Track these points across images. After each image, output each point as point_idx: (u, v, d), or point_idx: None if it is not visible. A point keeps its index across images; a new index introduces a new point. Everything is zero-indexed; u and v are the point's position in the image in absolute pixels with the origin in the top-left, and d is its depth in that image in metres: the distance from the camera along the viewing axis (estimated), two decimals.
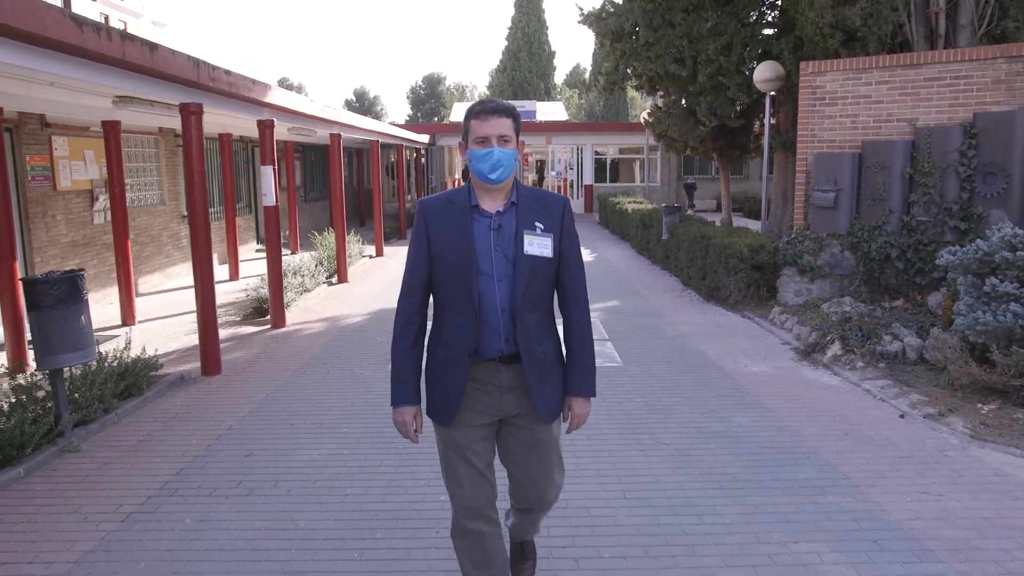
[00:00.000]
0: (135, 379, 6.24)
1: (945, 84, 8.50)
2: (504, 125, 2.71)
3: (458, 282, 2.73)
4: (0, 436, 4.76)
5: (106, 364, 6.10)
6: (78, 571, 3.59)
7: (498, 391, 2.82)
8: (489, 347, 2.76)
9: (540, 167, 37.25)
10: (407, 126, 29.62)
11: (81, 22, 4.73)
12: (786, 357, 7.50)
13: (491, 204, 2.79)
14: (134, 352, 7.19)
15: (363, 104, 75.80)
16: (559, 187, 30.75)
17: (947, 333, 6.44)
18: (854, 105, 9.07)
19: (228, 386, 6.76)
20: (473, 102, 2.85)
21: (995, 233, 6.39)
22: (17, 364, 6.86)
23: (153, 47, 5.72)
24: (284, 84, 75.66)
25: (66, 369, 5.64)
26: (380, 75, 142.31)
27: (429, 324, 2.84)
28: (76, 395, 5.60)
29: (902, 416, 5.66)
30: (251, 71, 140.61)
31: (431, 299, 2.86)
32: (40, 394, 5.58)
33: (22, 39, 4.40)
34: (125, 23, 40.16)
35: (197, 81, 6.55)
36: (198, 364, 7.26)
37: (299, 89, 77.69)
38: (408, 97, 76.82)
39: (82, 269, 5.28)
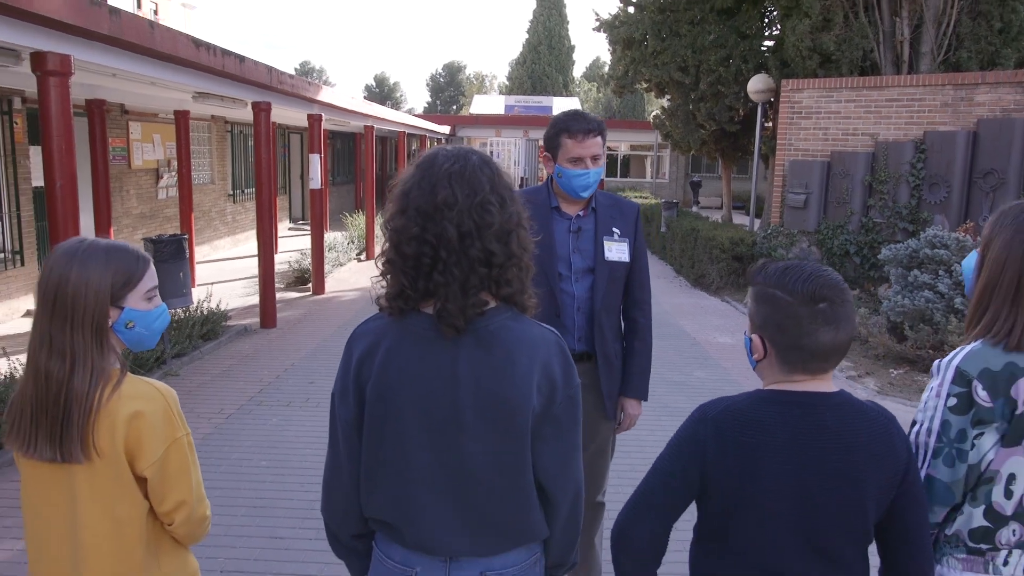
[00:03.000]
0: (213, 326, 7.71)
1: (902, 105, 9.84)
2: (597, 145, 2.72)
3: (537, 281, 3.13)
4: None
5: (193, 312, 7.58)
6: (205, 445, 5.06)
7: None
8: None
9: None
10: (429, 116, 31.06)
11: (198, 43, 6.18)
12: None
13: (571, 207, 2.83)
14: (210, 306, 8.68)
15: (383, 90, 76.91)
16: None
17: (877, 315, 7.83)
18: (826, 119, 10.41)
19: (285, 336, 8.24)
20: (564, 112, 2.81)
21: (926, 233, 7.76)
22: None
23: (242, 59, 7.17)
24: (306, 68, 77.07)
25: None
26: (400, 61, 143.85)
27: None
28: (173, 333, 7.08)
29: None
30: (272, 54, 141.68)
31: None
32: None
33: (161, 58, 5.86)
34: (157, 4, 41.61)
35: (269, 84, 8.00)
36: (256, 320, 8.74)
37: (320, 73, 79.10)
38: (428, 85, 77.91)
39: (186, 233, 6.75)
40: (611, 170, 31.42)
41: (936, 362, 1.72)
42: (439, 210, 1.46)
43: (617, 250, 2.80)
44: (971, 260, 1.80)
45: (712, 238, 11.31)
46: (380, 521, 1.59)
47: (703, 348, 8.08)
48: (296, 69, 74.85)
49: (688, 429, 1.62)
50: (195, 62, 6.20)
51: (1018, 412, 1.60)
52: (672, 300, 10.90)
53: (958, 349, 1.70)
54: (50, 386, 1.57)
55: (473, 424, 1.49)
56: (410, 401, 1.50)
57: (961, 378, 1.64)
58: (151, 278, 1.70)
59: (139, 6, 37.21)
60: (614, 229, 2.82)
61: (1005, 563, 1.68)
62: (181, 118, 10.54)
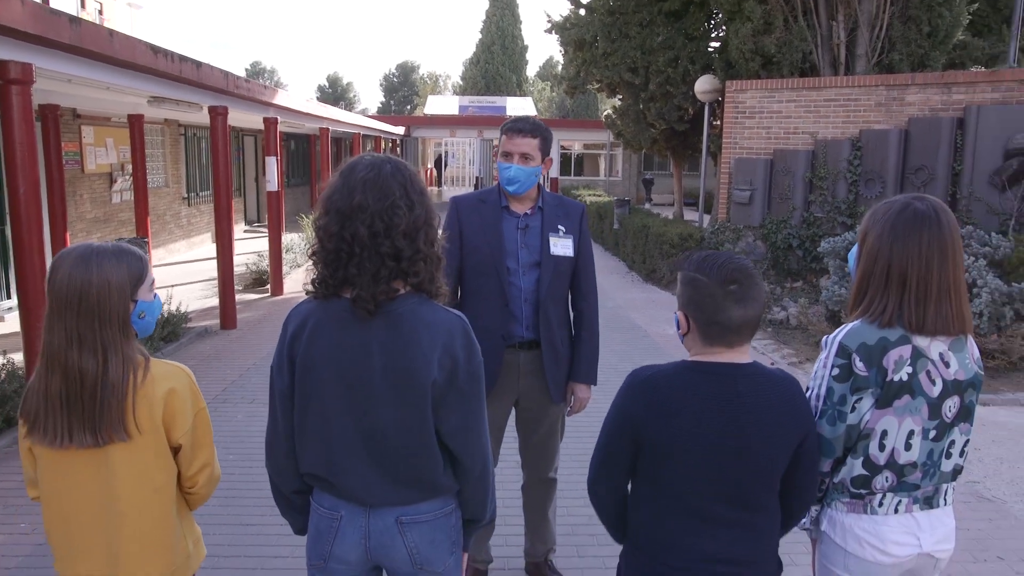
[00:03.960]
0: (174, 328, 7.79)
1: (840, 105, 10.31)
2: (527, 145, 2.92)
3: (488, 273, 2.98)
4: None
5: None
6: None
7: (517, 374, 3.07)
8: (513, 334, 3.02)
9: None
10: (383, 117, 31.06)
11: (156, 50, 6.28)
12: None
13: (519, 206, 3.04)
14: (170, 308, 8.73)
15: (336, 91, 76.32)
16: None
17: (817, 304, 8.25)
18: (768, 119, 10.84)
19: (245, 336, 8.35)
20: (514, 117, 3.09)
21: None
22: None
23: (198, 64, 7.27)
24: (256, 68, 76.08)
25: None
26: (353, 61, 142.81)
27: None
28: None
29: (772, 363, 7.45)
30: (221, 54, 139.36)
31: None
32: None
33: (120, 65, 5.95)
34: (101, 4, 40.75)
35: (225, 88, 8.10)
36: (215, 321, 8.82)
37: (271, 74, 78.17)
38: (381, 85, 77.56)
39: (145, 237, 6.83)
40: (565, 168, 31.81)
41: (824, 337, 2.02)
42: (354, 212, 1.74)
43: (562, 245, 3.02)
44: (854, 251, 2.10)
45: (662, 234, 11.69)
46: (312, 475, 1.88)
47: (653, 340, 8.41)
48: (247, 69, 73.90)
49: (620, 395, 1.90)
50: (153, 68, 6.30)
51: (888, 379, 1.90)
52: (624, 295, 11.24)
53: (841, 327, 1.99)
54: (84, 381, 1.77)
55: (383, 392, 1.78)
56: (331, 373, 1.79)
57: (843, 351, 1.93)
58: (150, 273, 1.91)
59: (83, 6, 36.50)
60: (560, 226, 3.04)
61: (880, 504, 1.99)
62: (135, 122, 10.55)
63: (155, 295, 1.95)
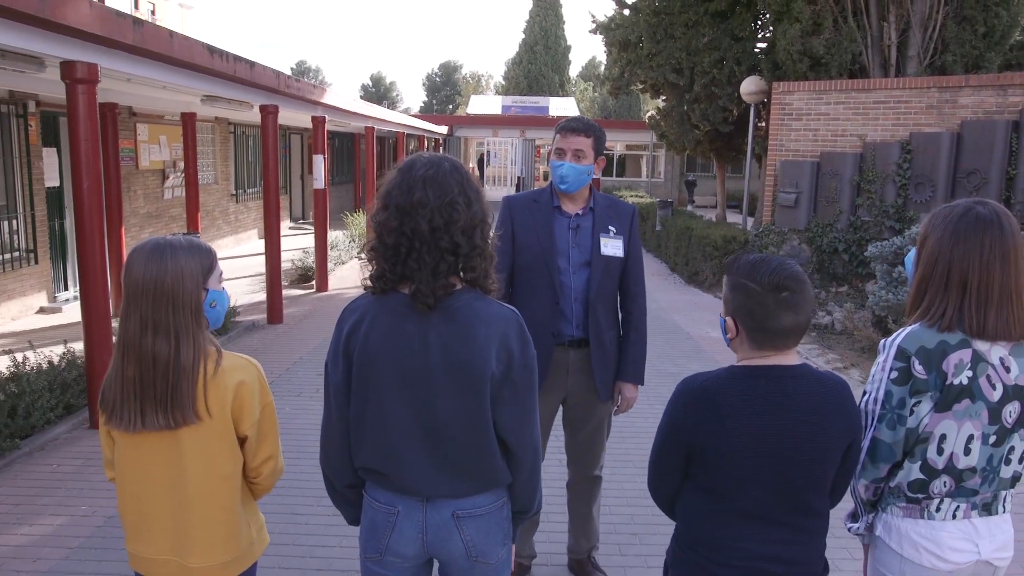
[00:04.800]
0: (224, 322, 7.97)
1: (889, 107, 10.15)
2: (579, 143, 2.98)
3: (539, 272, 3.03)
4: None
5: None
6: None
7: (565, 372, 3.11)
8: (563, 332, 3.07)
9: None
10: (427, 117, 31.33)
11: (212, 50, 6.45)
12: None
13: (571, 207, 3.09)
14: None
15: (379, 90, 77.00)
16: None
17: (863, 309, 8.14)
18: (816, 121, 10.72)
19: (291, 331, 8.52)
20: (568, 117, 3.16)
21: (911, 231, 8.07)
22: None
23: (252, 64, 7.44)
24: (302, 68, 77.18)
25: None
26: (397, 61, 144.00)
27: None
28: None
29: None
30: (268, 53, 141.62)
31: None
32: None
33: (178, 65, 6.13)
34: (154, 5, 41.71)
35: (277, 88, 8.28)
36: (262, 316, 9.01)
37: (316, 73, 79.21)
38: (424, 84, 77.97)
39: (197, 232, 7.01)
40: (607, 170, 31.70)
41: (882, 341, 2.02)
42: (414, 208, 1.78)
43: (612, 246, 3.06)
44: (911, 256, 2.09)
45: (705, 236, 11.62)
46: (368, 469, 1.91)
47: (696, 342, 8.38)
48: (292, 69, 74.96)
49: (671, 403, 1.94)
50: (209, 68, 6.47)
51: (948, 383, 1.90)
52: (667, 297, 11.20)
53: (900, 330, 2.00)
54: (157, 365, 1.86)
55: (442, 384, 1.81)
56: (389, 365, 1.82)
57: (902, 355, 1.93)
58: (219, 265, 2.00)
59: (136, 6, 37.40)
60: (610, 227, 3.08)
61: (938, 510, 1.98)
62: (188, 120, 10.81)
63: (223, 288, 2.04)
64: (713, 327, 9.17)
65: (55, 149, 9.27)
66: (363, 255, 1.90)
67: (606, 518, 4.05)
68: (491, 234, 1.90)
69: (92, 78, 5.00)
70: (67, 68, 4.91)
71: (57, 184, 9.32)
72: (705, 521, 1.90)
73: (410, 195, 1.79)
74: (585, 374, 3.13)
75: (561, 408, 3.29)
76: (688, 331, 8.93)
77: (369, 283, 1.88)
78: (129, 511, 1.99)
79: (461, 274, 1.84)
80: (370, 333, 1.84)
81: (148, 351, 1.86)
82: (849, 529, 2.15)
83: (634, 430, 5.46)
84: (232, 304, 8.87)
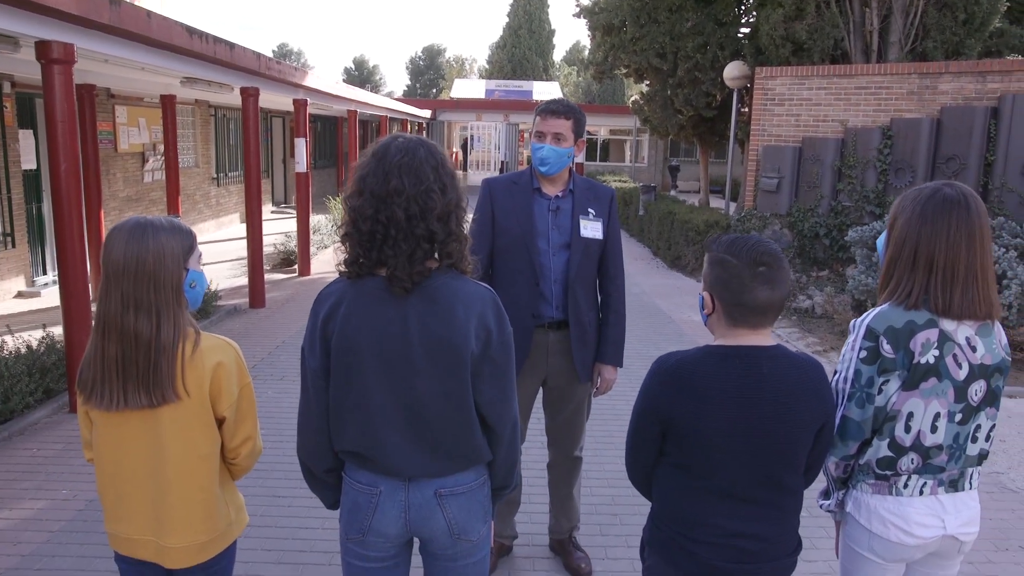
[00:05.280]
0: (204, 306, 7.94)
1: (871, 93, 10.19)
2: (559, 125, 2.99)
3: (519, 254, 3.04)
4: None
5: None
6: None
7: (545, 353, 3.13)
8: (543, 313, 3.08)
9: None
10: (410, 100, 31.14)
11: (191, 31, 6.38)
12: None
13: (550, 189, 3.10)
14: None
15: (362, 73, 76.39)
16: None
17: (843, 293, 8.22)
18: (798, 106, 10.74)
19: (274, 315, 8.49)
20: (547, 99, 3.16)
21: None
22: None
23: (231, 46, 7.36)
24: (283, 50, 76.39)
25: None
26: (379, 44, 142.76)
27: None
28: None
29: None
30: (249, 35, 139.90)
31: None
32: None
33: (156, 46, 6.06)
34: None
35: (257, 70, 8.20)
36: (245, 300, 8.97)
37: (298, 56, 78.47)
38: (407, 68, 77.50)
39: (178, 215, 6.96)
40: (591, 154, 31.69)
41: (852, 321, 2.06)
42: (390, 196, 1.78)
43: (592, 228, 3.08)
44: (883, 237, 2.13)
45: (688, 221, 11.66)
46: (350, 452, 1.91)
47: (678, 325, 8.44)
48: (274, 51, 74.16)
49: (646, 382, 1.96)
50: (188, 49, 6.40)
51: (915, 361, 1.93)
52: (650, 281, 11.25)
53: (869, 311, 2.03)
54: (139, 343, 1.86)
55: (423, 364, 1.82)
56: (369, 348, 1.82)
57: (871, 334, 1.97)
58: (198, 246, 2.00)
59: None
60: (590, 209, 3.10)
61: (905, 486, 2.03)
62: (168, 102, 10.69)
63: (202, 269, 2.03)
64: (695, 311, 9.23)
65: (32, 131, 9.13)
66: (338, 236, 1.90)
67: (587, 499, 4.09)
68: (464, 218, 1.91)
69: (68, 58, 4.93)
70: (42, 48, 4.84)
71: (34, 167, 9.20)
72: (680, 498, 1.93)
73: (386, 183, 1.78)
74: (565, 356, 3.15)
75: (541, 390, 3.31)
76: (670, 315, 8.98)
77: (343, 268, 1.88)
78: (108, 491, 2.00)
79: (437, 258, 1.85)
80: (349, 317, 1.83)
81: (130, 329, 1.86)
82: (821, 506, 2.20)
83: (615, 412, 5.51)
84: (214, 288, 8.82)
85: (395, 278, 1.79)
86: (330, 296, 1.89)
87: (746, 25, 15.87)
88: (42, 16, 4.71)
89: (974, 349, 1.96)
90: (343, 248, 1.87)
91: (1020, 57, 10.76)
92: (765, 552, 1.90)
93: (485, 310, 1.86)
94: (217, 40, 6.97)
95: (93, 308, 5.47)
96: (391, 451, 1.86)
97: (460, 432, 1.88)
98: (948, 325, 1.95)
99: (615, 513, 4.07)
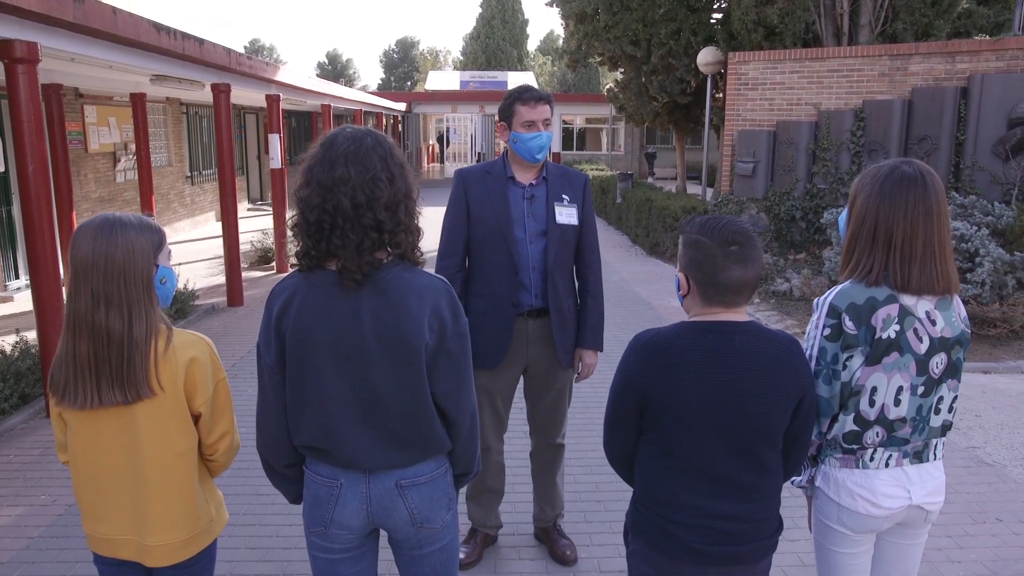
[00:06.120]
0: (182, 305, 7.86)
1: (843, 75, 10.26)
2: (547, 111, 3.00)
3: (496, 243, 3.04)
4: None
5: None
6: None
7: (525, 342, 3.14)
8: (522, 302, 3.09)
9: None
10: (384, 94, 30.94)
11: (159, 28, 6.29)
12: None
13: (525, 177, 3.10)
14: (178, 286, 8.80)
15: (336, 68, 75.86)
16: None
17: (820, 276, 8.29)
18: (771, 90, 10.80)
19: (252, 313, 8.43)
20: (516, 87, 3.11)
21: None
22: None
23: (201, 42, 7.27)
24: (256, 46, 75.60)
25: None
26: (353, 38, 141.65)
27: None
28: None
29: None
30: (221, 32, 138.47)
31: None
32: None
33: (124, 43, 5.97)
34: None
35: (228, 66, 8.10)
36: (223, 299, 8.90)
37: (271, 51, 77.71)
38: (381, 61, 77.09)
39: (152, 214, 6.88)
40: (567, 143, 31.69)
41: (816, 300, 2.08)
42: (336, 184, 1.77)
43: (567, 214, 3.08)
44: (844, 215, 2.15)
45: (665, 207, 11.70)
46: (308, 447, 1.91)
47: (658, 312, 8.48)
48: (246, 47, 73.42)
49: (624, 358, 1.96)
50: (156, 46, 6.31)
51: (877, 337, 1.96)
52: (628, 268, 11.28)
53: (832, 288, 2.05)
54: (111, 339, 1.84)
55: (377, 357, 1.82)
56: (324, 342, 1.82)
57: (833, 311, 2.00)
58: (167, 243, 1.97)
59: None
60: (564, 196, 3.10)
61: (871, 459, 2.06)
62: (138, 101, 10.54)
63: (172, 266, 2.01)
64: (675, 297, 9.28)
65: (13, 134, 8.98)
66: (288, 228, 1.89)
67: (571, 487, 4.10)
68: (415, 209, 1.90)
69: (32, 57, 4.84)
70: (5, 47, 4.75)
71: (2, 169, 9.05)
72: (659, 479, 1.94)
73: (332, 171, 1.77)
74: (545, 343, 3.16)
75: (522, 378, 3.31)
76: (650, 301, 9.02)
77: (294, 260, 1.89)
78: (85, 492, 1.97)
79: (387, 249, 1.84)
80: (302, 312, 1.83)
81: (101, 326, 1.84)
82: (793, 483, 2.22)
83: (597, 400, 5.53)
84: (191, 287, 8.74)
85: (345, 270, 1.78)
86: (284, 291, 1.88)
87: (718, 11, 15.91)
88: (3, 15, 4.62)
89: (934, 323, 1.99)
90: (296, 241, 1.86)
91: (988, 37, 10.88)
92: (746, 533, 1.91)
93: (439, 301, 1.86)
94: (186, 36, 6.88)
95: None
96: (349, 444, 1.86)
97: (418, 423, 1.88)
98: (908, 300, 1.98)
99: (599, 500, 4.08)
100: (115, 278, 1.84)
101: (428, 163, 37.77)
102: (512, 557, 3.52)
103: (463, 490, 3.22)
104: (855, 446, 2.05)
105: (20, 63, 4.80)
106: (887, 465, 2.05)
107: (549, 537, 3.53)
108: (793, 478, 2.22)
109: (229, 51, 8.08)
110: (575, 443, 4.60)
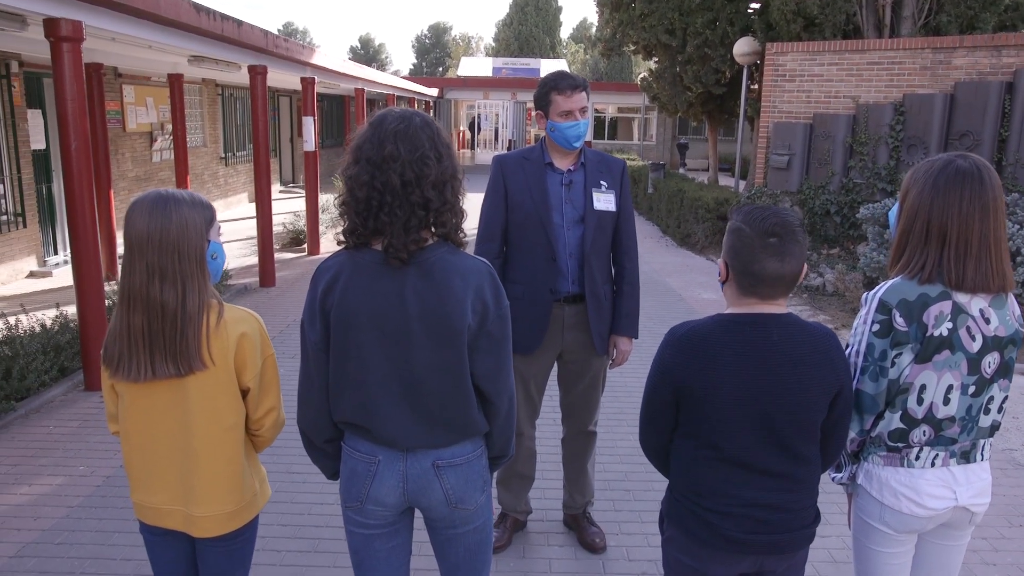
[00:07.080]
0: (216, 285, 7.94)
1: (883, 68, 10.08)
2: (583, 99, 2.99)
3: (534, 229, 3.03)
4: None
5: None
6: None
7: (561, 328, 3.13)
8: (559, 288, 3.09)
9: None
10: (417, 79, 30.97)
11: (199, 8, 6.34)
12: None
13: (562, 163, 3.09)
14: None
15: (368, 52, 75.94)
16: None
17: (855, 271, 8.18)
18: (809, 82, 10.64)
19: (284, 294, 8.51)
20: (552, 73, 3.08)
21: None
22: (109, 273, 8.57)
23: (239, 23, 7.32)
24: (289, 29, 75.97)
25: None
26: (385, 22, 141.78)
27: None
28: None
29: None
30: (255, 15, 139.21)
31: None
32: None
33: (164, 23, 6.03)
34: None
35: (265, 48, 8.15)
36: (255, 279, 9.00)
37: (304, 35, 78.03)
38: (413, 46, 76.99)
39: None
40: (599, 132, 31.52)
41: (864, 294, 2.04)
42: (385, 162, 1.79)
43: (604, 200, 3.08)
44: (894, 210, 2.11)
45: (697, 198, 11.61)
46: (348, 423, 1.94)
47: (688, 304, 8.43)
48: (279, 30, 73.73)
49: (659, 351, 1.97)
50: (196, 27, 6.37)
51: (928, 334, 1.92)
52: (659, 259, 11.22)
53: (881, 284, 2.02)
54: (165, 313, 1.87)
55: (420, 337, 1.84)
56: (368, 321, 1.84)
57: (883, 307, 1.95)
58: (216, 218, 2.00)
59: None
60: (601, 182, 3.09)
61: (917, 458, 2.02)
62: (175, 81, 10.63)
63: (221, 242, 2.04)
64: (705, 289, 9.22)
65: (40, 111, 9.12)
66: (336, 207, 1.90)
67: (600, 475, 4.10)
68: (460, 189, 1.91)
69: (77, 36, 4.91)
70: (51, 26, 4.82)
71: (43, 146, 9.20)
72: (695, 469, 1.94)
73: (381, 149, 1.79)
74: (581, 329, 3.15)
75: (556, 364, 3.31)
76: (680, 293, 8.96)
77: (341, 238, 1.90)
78: (135, 462, 2.01)
79: (432, 229, 1.86)
80: (347, 290, 1.84)
81: (156, 299, 1.87)
82: (833, 479, 2.20)
83: (627, 389, 5.52)
84: (224, 267, 8.83)
85: (391, 248, 1.80)
86: (329, 269, 1.89)
87: (756, 1, 15.69)
88: None
89: (988, 321, 1.95)
90: (342, 219, 1.88)
91: None
92: (782, 522, 1.90)
93: (482, 284, 1.87)
94: (225, 17, 6.93)
95: (106, 287, 5.51)
96: (389, 423, 1.88)
97: (457, 404, 1.90)
98: (961, 297, 1.93)
99: (628, 489, 4.08)
100: (169, 253, 1.86)
101: (459, 149, 37.83)
102: (541, 543, 3.54)
103: (494, 474, 3.24)
104: (901, 444, 2.01)
105: (65, 41, 4.86)
106: (933, 465, 2.02)
107: (578, 524, 3.53)
108: (833, 475, 2.20)
109: (267, 33, 8.13)
110: (607, 432, 4.60)
